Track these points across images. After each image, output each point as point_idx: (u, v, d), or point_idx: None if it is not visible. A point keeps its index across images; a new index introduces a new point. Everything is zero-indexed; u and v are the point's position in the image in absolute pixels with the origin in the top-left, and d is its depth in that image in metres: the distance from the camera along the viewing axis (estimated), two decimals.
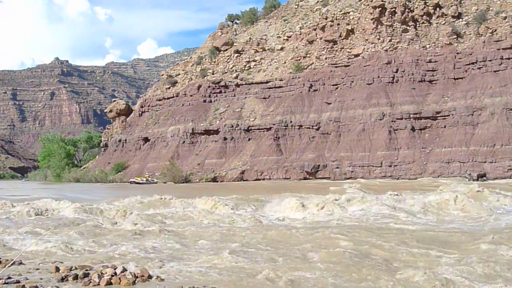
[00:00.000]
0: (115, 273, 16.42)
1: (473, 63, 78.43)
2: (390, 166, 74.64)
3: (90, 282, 15.82)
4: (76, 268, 17.48)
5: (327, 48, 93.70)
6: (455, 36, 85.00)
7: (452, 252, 20.13)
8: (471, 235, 23.81)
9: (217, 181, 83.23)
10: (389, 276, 16.74)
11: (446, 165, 71.39)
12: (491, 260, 17.86)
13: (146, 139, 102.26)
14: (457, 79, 79.64)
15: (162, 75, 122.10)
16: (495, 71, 75.59)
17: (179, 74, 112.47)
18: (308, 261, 18.94)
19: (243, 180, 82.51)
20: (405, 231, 25.73)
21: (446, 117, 75.92)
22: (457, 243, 22.19)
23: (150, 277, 16.34)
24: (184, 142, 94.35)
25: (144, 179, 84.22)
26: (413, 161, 73.97)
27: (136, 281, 15.89)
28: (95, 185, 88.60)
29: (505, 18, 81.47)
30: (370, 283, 15.99)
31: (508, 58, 75.29)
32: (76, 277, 16.42)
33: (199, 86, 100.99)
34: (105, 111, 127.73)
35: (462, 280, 15.71)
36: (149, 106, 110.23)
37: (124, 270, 16.70)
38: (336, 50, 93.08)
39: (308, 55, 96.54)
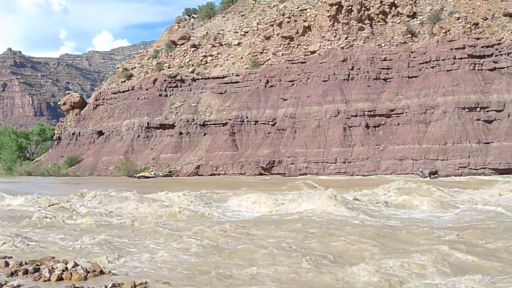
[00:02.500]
0: (66, 268, 16.24)
1: (426, 62, 79.66)
2: (345, 162, 75.33)
3: (41, 277, 15.62)
4: (26, 263, 17.24)
5: (284, 45, 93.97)
6: (410, 35, 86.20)
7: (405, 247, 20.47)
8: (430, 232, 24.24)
9: (172, 176, 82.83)
10: (340, 269, 16.93)
11: (399, 162, 72.42)
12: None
13: (100, 133, 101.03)
14: (411, 77, 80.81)
15: (118, 68, 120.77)
16: (448, 71, 76.92)
17: (134, 68, 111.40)
18: (261, 257, 19.01)
19: (198, 175, 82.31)
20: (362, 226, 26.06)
21: (400, 115, 76.97)
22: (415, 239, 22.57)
23: (102, 272, 16.21)
24: (139, 136, 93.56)
25: (152, 172, 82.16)
26: (367, 158, 74.80)
27: (87, 276, 15.75)
28: (49, 179, 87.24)
29: (458, 18, 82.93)
30: (317, 276, 16.15)
31: (461, 58, 76.70)
32: (26, 272, 16.21)
33: (155, 80, 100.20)
34: (58, 103, 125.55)
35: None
36: (104, 99, 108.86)
37: (76, 265, 16.52)
38: (293, 47, 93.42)
39: (265, 51, 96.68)
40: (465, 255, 18.86)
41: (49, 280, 15.40)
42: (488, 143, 70.02)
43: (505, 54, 74.98)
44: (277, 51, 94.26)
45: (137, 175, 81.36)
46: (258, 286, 14.91)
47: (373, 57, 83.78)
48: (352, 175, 73.15)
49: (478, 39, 77.92)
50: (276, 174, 77.84)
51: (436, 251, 19.22)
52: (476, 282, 15.28)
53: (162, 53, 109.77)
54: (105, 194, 40.49)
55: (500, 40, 76.70)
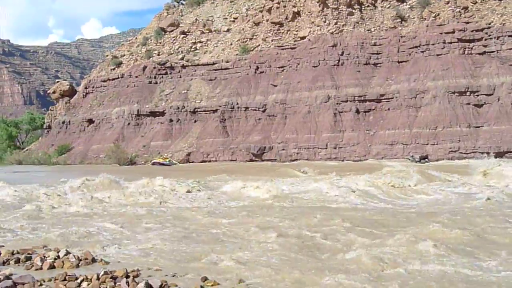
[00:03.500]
0: (58, 256, 16.22)
1: (416, 47, 79.69)
2: (335, 148, 75.47)
3: (33, 265, 15.59)
4: (18, 252, 17.19)
5: (274, 30, 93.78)
6: (399, 20, 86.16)
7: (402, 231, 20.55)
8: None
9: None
10: (332, 256, 16.98)
11: (390, 147, 72.60)
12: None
13: (90, 121, 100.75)
14: (401, 62, 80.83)
15: (107, 55, 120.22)
16: (437, 55, 76.99)
17: (124, 55, 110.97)
18: (253, 243, 19.05)
19: (189, 162, 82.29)
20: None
21: (390, 99, 77.07)
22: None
23: (94, 260, 16.19)
24: (129, 124, 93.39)
25: (167, 160, 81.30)
26: (357, 143, 74.95)
27: (79, 264, 15.73)
28: (40, 168, 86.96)
29: (447, 2, 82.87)
30: (310, 263, 16.20)
31: (450, 42, 76.76)
32: (18, 260, 16.17)
33: (145, 67, 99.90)
34: (48, 92, 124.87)
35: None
36: (93, 87, 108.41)
37: (68, 253, 16.51)
38: (283, 33, 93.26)
39: (254, 37, 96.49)
40: (456, 238, 18.97)
41: (41, 268, 15.36)
42: (478, 127, 70.26)
43: (494, 38, 75.08)
44: (266, 37, 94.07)
45: (152, 160, 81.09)
46: (250, 272, 14.94)
47: (363, 42, 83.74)
48: (343, 161, 73.30)
49: (467, 23, 77.96)
50: (267, 160, 77.92)
51: (427, 233, 19.33)
52: (466, 264, 15.37)
53: (151, 40, 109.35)
54: (97, 181, 40.38)
55: (489, 24, 76.77)
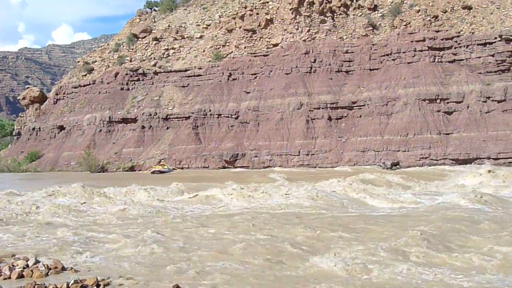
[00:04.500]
0: (27, 265, 16.05)
1: (388, 55, 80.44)
2: (308, 155, 75.74)
3: (1, 275, 15.40)
4: None
5: (246, 37, 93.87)
6: (371, 28, 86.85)
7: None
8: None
9: (135, 170, 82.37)
10: (303, 261, 17.03)
11: (362, 154, 73.08)
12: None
13: (61, 128, 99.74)
14: (373, 70, 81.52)
15: (78, 61, 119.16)
16: (408, 63, 77.80)
17: (95, 61, 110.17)
18: (225, 251, 19.03)
19: None
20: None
21: (362, 107, 77.63)
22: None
23: (64, 268, 16.05)
24: (100, 130, 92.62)
25: (166, 167, 79.23)
26: (330, 150, 75.31)
27: (49, 273, 15.58)
28: (9, 175, 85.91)
29: (418, 11, 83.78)
30: (282, 269, 16.22)
31: (421, 50, 77.63)
32: None
33: (117, 74, 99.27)
34: (18, 98, 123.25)
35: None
36: (64, 93, 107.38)
37: (37, 262, 16.34)
38: (255, 40, 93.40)
39: (227, 44, 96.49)
40: (431, 246, 19.14)
41: (9, 278, 15.19)
42: (448, 134, 71.13)
43: (464, 46, 76.06)
44: (239, 44, 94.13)
45: (152, 169, 78.58)
46: (223, 279, 14.92)
47: (335, 50, 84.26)
48: (315, 167, 73.60)
49: (437, 31, 78.90)
50: (240, 167, 77.90)
51: (403, 241, 19.49)
52: (439, 274, 15.53)
53: (123, 47, 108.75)
54: (68, 189, 40.04)
55: (459, 32, 77.79)
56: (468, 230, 22.32)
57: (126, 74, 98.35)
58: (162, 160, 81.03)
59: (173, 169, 78.90)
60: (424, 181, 45.98)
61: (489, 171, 44.41)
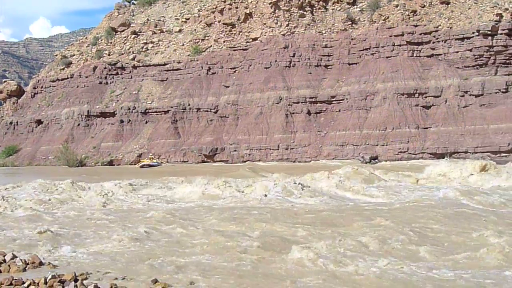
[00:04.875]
0: (4, 260, 15.91)
1: (366, 49, 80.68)
2: (287, 149, 75.86)
3: None
4: None
5: (226, 31, 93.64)
6: (350, 23, 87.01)
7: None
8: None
9: (114, 165, 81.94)
10: (280, 255, 17.07)
11: (341, 148, 73.33)
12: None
13: (39, 122, 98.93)
14: (352, 64, 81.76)
15: (56, 55, 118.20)
16: (387, 57, 78.11)
17: (74, 55, 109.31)
18: (204, 246, 19.02)
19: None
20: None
21: (341, 101, 77.85)
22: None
23: (41, 263, 15.94)
24: (79, 124, 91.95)
25: (155, 161, 78.65)
26: (309, 144, 75.47)
27: (26, 268, 15.46)
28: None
29: (397, 6, 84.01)
30: (259, 263, 16.25)
31: (400, 45, 77.97)
32: None
33: (95, 68, 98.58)
34: None
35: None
36: (42, 87, 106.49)
37: (14, 257, 16.20)
38: (235, 34, 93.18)
39: (206, 38, 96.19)
40: (402, 238, 19.27)
41: None
42: (426, 128, 71.59)
43: (442, 41, 76.47)
44: (218, 38, 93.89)
45: (141, 163, 78.00)
46: (201, 274, 14.91)
47: (314, 44, 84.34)
48: (294, 162, 73.78)
49: (416, 26, 79.23)
50: (219, 161, 77.85)
51: (376, 233, 19.59)
52: (412, 266, 15.64)
53: (102, 40, 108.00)
54: (46, 184, 39.77)
55: (437, 27, 78.15)
56: (446, 222, 22.48)
57: (105, 68, 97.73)
58: (151, 154, 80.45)
59: (161, 163, 78.38)
60: (402, 174, 46.23)
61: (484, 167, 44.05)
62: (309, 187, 35.68)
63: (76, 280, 13.75)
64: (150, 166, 75.83)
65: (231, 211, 27.42)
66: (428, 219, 23.20)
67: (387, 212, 25.70)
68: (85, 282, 13.70)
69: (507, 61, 72.08)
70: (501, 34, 71.84)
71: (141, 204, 31.83)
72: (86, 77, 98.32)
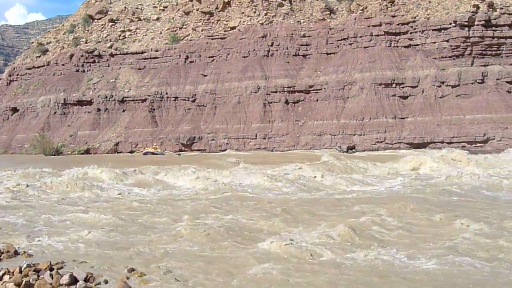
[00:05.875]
0: None
1: (344, 39, 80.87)
2: (265, 138, 75.93)
3: None
4: None
5: (204, 20, 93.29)
6: (328, 12, 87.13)
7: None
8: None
9: (90, 153, 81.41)
10: (255, 243, 17.13)
11: (318, 138, 73.54)
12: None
13: (14, 109, 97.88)
14: (329, 54, 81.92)
15: (32, 43, 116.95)
16: (365, 47, 78.38)
17: (50, 42, 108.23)
18: (181, 234, 19.02)
19: (117, 152, 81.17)
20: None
21: (319, 91, 78.02)
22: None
23: (16, 253, 15.82)
24: (55, 113, 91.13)
25: (159, 150, 77.47)
26: (286, 134, 75.59)
27: (1, 257, 15.34)
28: None
29: None
30: (234, 252, 16.30)
31: (377, 35, 78.26)
32: None
33: (72, 55, 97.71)
34: None
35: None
36: (18, 75, 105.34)
37: None
38: (213, 22, 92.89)
39: (184, 26, 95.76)
40: (376, 228, 19.40)
41: None
42: (403, 118, 72.04)
43: (419, 31, 76.87)
44: (196, 27, 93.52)
45: (144, 150, 77.08)
46: (177, 262, 14.91)
47: (292, 34, 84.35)
48: (272, 151, 73.88)
49: (394, 16, 79.54)
50: (197, 150, 77.72)
51: (349, 223, 19.69)
52: (382, 254, 15.77)
53: (79, 28, 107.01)
54: (23, 172, 39.44)
55: (414, 17, 78.52)
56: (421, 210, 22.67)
57: (82, 55, 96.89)
58: (155, 144, 79.72)
59: (162, 153, 77.20)
60: (379, 164, 46.48)
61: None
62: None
63: (51, 269, 13.67)
64: (153, 154, 74.88)
65: (215, 199, 27.46)
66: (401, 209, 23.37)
67: (364, 202, 25.84)
68: (60, 271, 13.62)
69: (483, 52, 72.70)
70: (477, 25, 72.41)
71: (119, 193, 31.69)
72: (63, 64, 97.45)
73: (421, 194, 27.82)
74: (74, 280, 12.88)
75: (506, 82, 70.55)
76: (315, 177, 36.55)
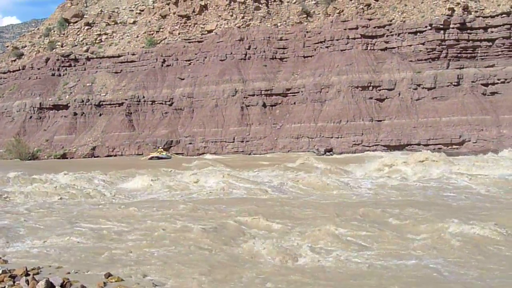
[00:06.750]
0: None
1: (321, 42, 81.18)
2: (242, 141, 75.96)
3: None
4: None
5: (181, 23, 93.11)
6: (305, 16, 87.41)
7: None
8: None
9: (67, 158, 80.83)
10: (236, 247, 17.10)
11: (296, 141, 73.75)
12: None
13: None
14: (307, 57, 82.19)
15: (7, 46, 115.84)
16: (341, 50, 78.74)
17: (25, 46, 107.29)
18: (159, 238, 18.93)
19: (94, 157, 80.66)
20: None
21: (296, 94, 78.22)
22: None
23: None
24: (31, 117, 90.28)
25: (164, 153, 75.19)
26: (264, 137, 75.71)
27: None
28: None
29: None
30: (217, 256, 16.26)
31: (354, 38, 78.66)
32: None
33: (47, 59, 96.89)
34: None
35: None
36: None
37: None
38: (190, 26, 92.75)
39: (161, 30, 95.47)
40: (358, 231, 19.47)
41: None
42: (380, 120, 72.51)
43: (395, 34, 77.41)
44: (173, 30, 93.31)
45: (149, 156, 74.38)
46: (155, 267, 14.84)
47: (269, 37, 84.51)
48: (250, 154, 73.93)
49: (370, 19, 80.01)
50: (175, 154, 77.49)
51: (330, 226, 19.74)
52: (364, 257, 15.84)
53: (54, 31, 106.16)
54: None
55: (391, 21, 79.06)
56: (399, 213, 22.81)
57: (57, 59, 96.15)
58: (160, 147, 78.65)
59: (171, 156, 75.76)
60: (354, 165, 46.79)
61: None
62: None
63: (27, 275, 13.54)
64: (159, 158, 73.20)
65: (186, 204, 27.36)
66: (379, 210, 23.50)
67: (341, 204, 25.95)
68: (36, 277, 13.49)
69: (459, 54, 73.43)
70: (453, 28, 73.11)
71: (99, 197, 31.51)
72: (39, 69, 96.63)
73: (395, 197, 28.01)
74: (50, 286, 12.75)
75: (481, 84, 71.31)
76: (296, 179, 36.68)
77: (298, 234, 18.37)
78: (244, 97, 79.18)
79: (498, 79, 70.87)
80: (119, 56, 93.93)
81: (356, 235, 18.57)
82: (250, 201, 28.12)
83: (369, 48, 78.07)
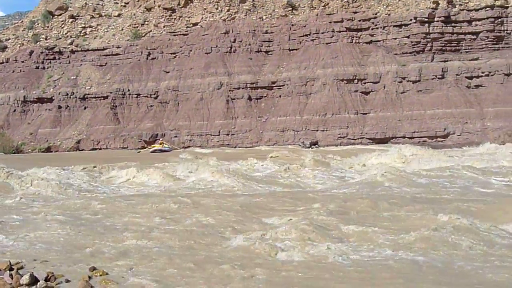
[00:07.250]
0: None
1: (306, 35, 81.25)
2: (228, 135, 75.97)
3: None
4: None
5: (166, 16, 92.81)
6: (290, 8, 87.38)
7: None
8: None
9: (51, 151, 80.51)
10: (221, 242, 17.11)
11: (281, 134, 73.85)
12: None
13: None
14: (292, 50, 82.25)
15: None
16: (327, 43, 78.86)
17: (9, 39, 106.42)
18: (143, 232, 18.89)
19: (79, 150, 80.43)
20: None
21: (281, 87, 78.27)
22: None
23: None
24: (15, 110, 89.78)
25: (166, 145, 74.02)
26: (250, 130, 75.74)
27: None
28: None
29: None
30: (199, 250, 16.26)
31: (339, 31, 78.81)
32: None
33: (31, 52, 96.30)
34: None
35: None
36: None
37: None
38: (175, 19, 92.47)
39: (146, 23, 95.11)
40: (334, 222, 19.51)
41: None
42: (365, 113, 72.77)
43: (380, 27, 77.63)
44: (158, 23, 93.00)
45: (152, 148, 72.81)
46: (139, 261, 14.83)
47: (254, 30, 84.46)
48: (235, 147, 73.93)
49: (355, 12, 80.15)
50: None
51: (307, 218, 19.77)
52: (342, 249, 15.87)
53: (38, 24, 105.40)
54: None
55: (375, 14, 79.23)
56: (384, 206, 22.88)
57: (41, 52, 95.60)
58: (161, 139, 77.91)
59: (173, 148, 74.46)
60: (340, 158, 46.85)
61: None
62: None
63: (11, 269, 13.46)
64: (161, 151, 71.37)
65: (174, 198, 27.32)
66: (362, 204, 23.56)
67: (324, 197, 25.99)
68: (20, 271, 13.42)
69: (443, 48, 73.75)
70: (437, 21, 73.38)
71: (94, 191, 31.40)
72: (22, 61, 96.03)
73: (386, 191, 28.09)
74: (34, 280, 12.69)
75: (466, 77, 71.70)
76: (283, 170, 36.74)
77: (285, 228, 18.35)
78: (230, 90, 79.13)
79: (482, 72, 71.24)
80: (103, 49, 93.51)
81: (343, 228, 18.59)
82: (238, 195, 28.11)
83: (354, 41, 78.25)
